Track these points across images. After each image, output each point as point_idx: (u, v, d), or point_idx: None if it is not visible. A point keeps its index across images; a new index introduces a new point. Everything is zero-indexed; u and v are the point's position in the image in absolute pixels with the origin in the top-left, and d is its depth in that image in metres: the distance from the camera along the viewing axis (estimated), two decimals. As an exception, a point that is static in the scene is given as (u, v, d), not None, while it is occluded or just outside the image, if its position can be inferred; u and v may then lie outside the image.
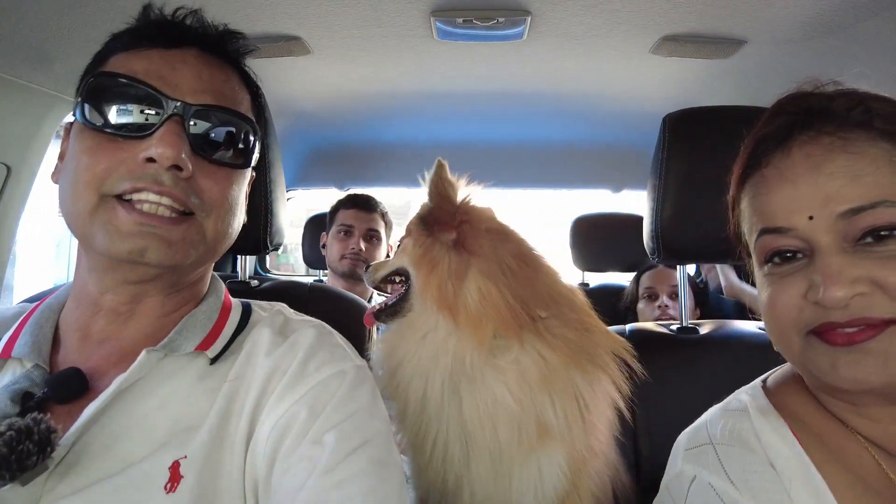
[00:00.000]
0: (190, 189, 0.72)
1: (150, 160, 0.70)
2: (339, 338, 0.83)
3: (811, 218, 0.63)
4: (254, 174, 0.89)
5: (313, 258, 2.84)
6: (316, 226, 2.77)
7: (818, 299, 0.61)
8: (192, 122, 0.73)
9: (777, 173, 0.68)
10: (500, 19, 1.40)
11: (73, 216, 0.73)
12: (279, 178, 1.24)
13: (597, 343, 1.03)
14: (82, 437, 0.66)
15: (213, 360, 0.75)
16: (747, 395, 0.79)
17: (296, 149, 2.70)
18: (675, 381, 1.27)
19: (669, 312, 2.16)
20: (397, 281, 1.18)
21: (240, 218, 0.82)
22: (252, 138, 0.80)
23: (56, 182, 0.78)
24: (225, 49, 0.82)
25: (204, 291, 0.84)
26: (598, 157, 2.62)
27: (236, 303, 0.86)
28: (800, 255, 0.65)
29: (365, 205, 2.48)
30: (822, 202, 0.63)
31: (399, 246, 1.19)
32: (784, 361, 0.79)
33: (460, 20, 1.40)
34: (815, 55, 1.51)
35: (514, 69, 1.80)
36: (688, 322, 1.44)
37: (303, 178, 2.88)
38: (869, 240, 0.61)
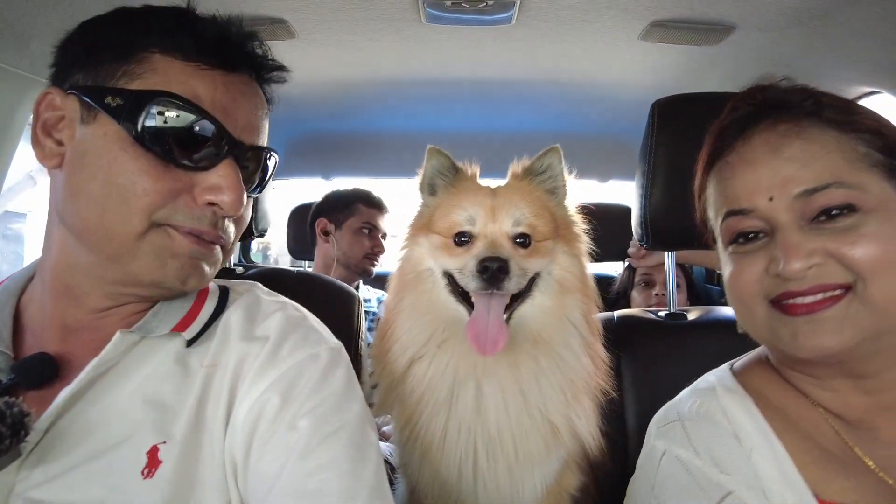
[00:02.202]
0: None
1: (212, 203, 0.71)
2: (312, 320, 0.82)
3: (771, 199, 0.71)
4: None
5: (298, 249, 2.77)
6: (301, 217, 2.69)
7: (779, 271, 0.68)
8: (244, 164, 0.75)
9: (739, 159, 0.75)
10: (490, 2, 1.38)
11: (108, 233, 0.68)
12: None
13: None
14: (57, 422, 0.64)
15: (190, 343, 0.73)
16: (715, 376, 0.85)
17: (277, 138, 2.64)
18: (663, 365, 1.27)
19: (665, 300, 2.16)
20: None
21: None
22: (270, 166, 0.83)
23: (55, 168, 0.71)
24: (263, 75, 0.82)
25: None
26: (585, 146, 2.61)
27: (213, 286, 0.84)
28: (761, 235, 0.73)
29: (383, 206, 2.51)
30: (781, 184, 0.70)
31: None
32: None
33: (449, 3, 1.38)
34: (802, 42, 1.52)
35: (502, 55, 1.79)
36: (676, 308, 1.45)
37: (285, 167, 2.82)
38: (823, 217, 0.69)
